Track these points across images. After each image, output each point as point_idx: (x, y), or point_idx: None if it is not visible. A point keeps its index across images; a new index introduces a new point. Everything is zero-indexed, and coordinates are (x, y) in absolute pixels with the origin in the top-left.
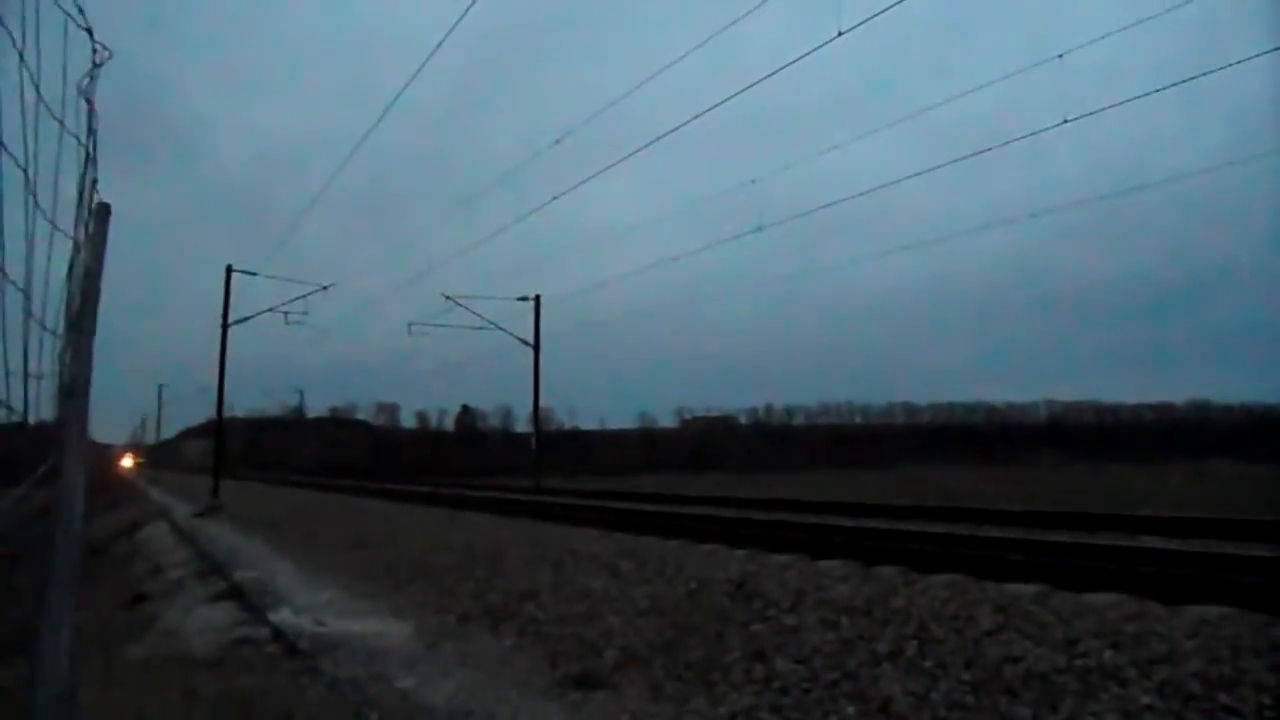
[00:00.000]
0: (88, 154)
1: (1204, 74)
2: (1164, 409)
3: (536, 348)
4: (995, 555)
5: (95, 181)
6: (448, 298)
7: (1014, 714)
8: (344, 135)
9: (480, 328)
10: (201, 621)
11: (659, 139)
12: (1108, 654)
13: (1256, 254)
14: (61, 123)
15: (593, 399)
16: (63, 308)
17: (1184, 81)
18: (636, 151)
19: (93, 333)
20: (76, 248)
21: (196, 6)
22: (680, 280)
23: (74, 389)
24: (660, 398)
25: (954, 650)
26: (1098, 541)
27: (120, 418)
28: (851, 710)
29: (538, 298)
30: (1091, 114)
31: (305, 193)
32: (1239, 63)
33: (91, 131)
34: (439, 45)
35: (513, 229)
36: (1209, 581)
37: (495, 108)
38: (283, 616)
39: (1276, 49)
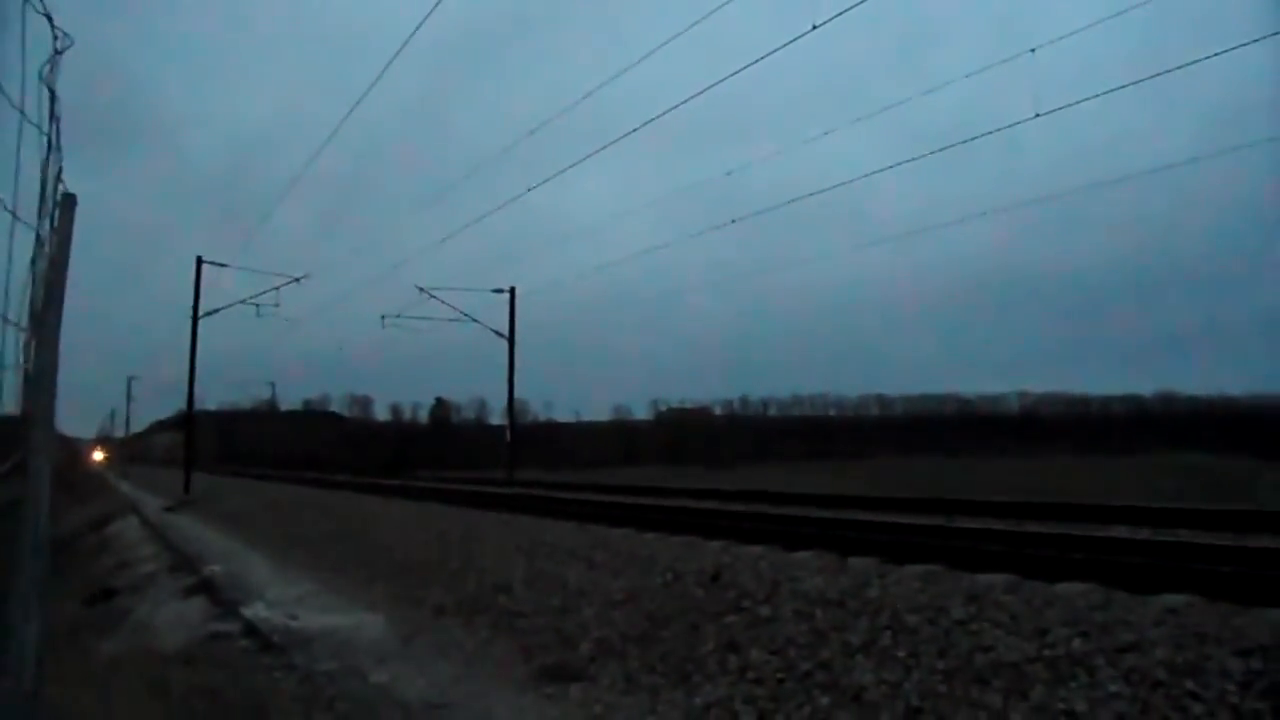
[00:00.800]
0: (50, 143)
1: (1173, 69)
2: (1132, 400)
3: (511, 340)
4: (968, 546)
5: (60, 171)
6: (421, 290)
7: (985, 702)
8: (318, 127)
9: (454, 320)
10: (172, 616)
11: (634, 131)
12: (1076, 643)
13: (1224, 247)
14: (22, 111)
15: (567, 391)
16: (26, 300)
17: (1154, 76)
18: (611, 144)
19: (58, 325)
20: (40, 240)
21: None
22: (655, 272)
23: (39, 382)
24: (635, 390)
25: (927, 640)
26: (1068, 531)
27: (89, 411)
28: (825, 700)
29: (513, 290)
30: (1063, 108)
31: (278, 184)
32: (1207, 58)
33: (54, 119)
34: (412, 35)
35: (487, 221)
36: (1176, 570)
37: (469, 99)
38: (255, 610)
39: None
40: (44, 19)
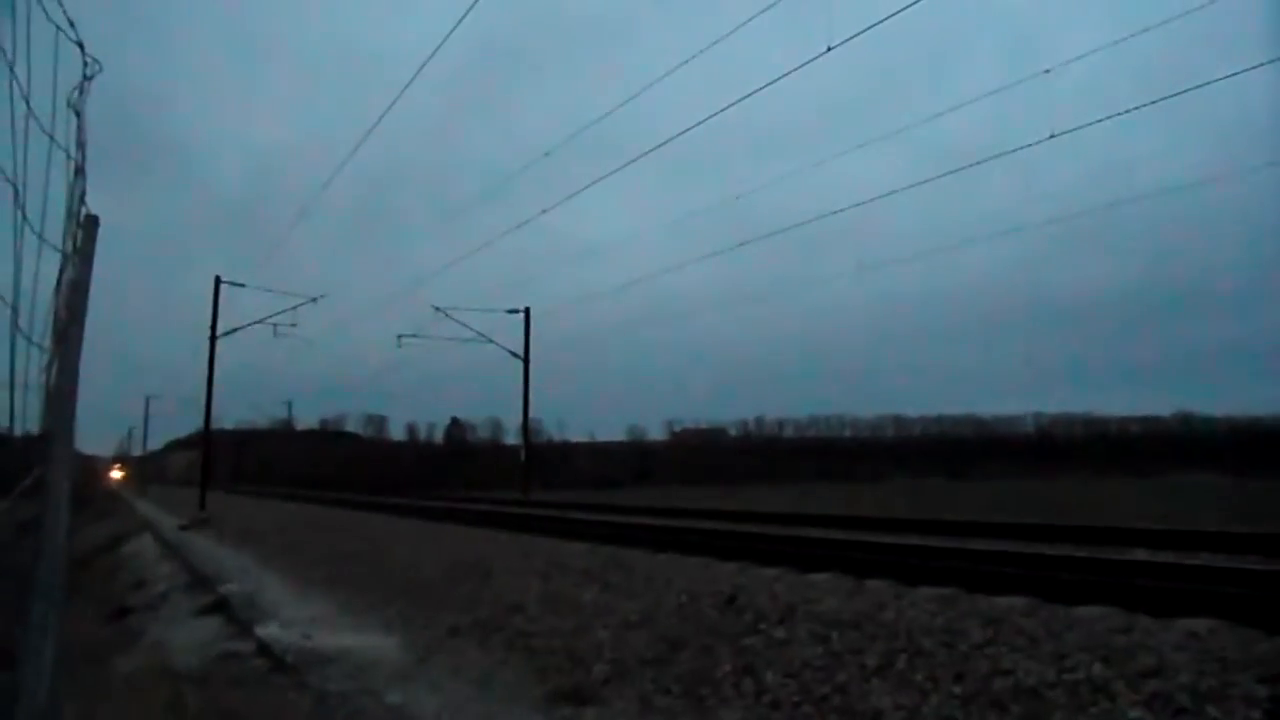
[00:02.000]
0: (77, 167)
1: (1188, 89)
2: (1151, 421)
3: (526, 360)
4: (985, 568)
5: (84, 194)
6: (438, 309)
7: None
8: (336, 148)
9: (470, 340)
10: (187, 635)
11: (649, 153)
12: (1097, 667)
13: (1242, 266)
14: (51, 136)
15: (582, 411)
16: (50, 320)
17: (1169, 97)
18: (626, 165)
19: (79, 344)
20: (64, 260)
21: (191, 21)
22: (670, 293)
23: (59, 400)
24: (649, 410)
25: (944, 664)
26: (1087, 554)
27: (107, 429)
28: None
29: (528, 310)
30: (1078, 129)
31: (296, 205)
32: (1223, 79)
33: (81, 144)
34: (429, 60)
35: (503, 241)
36: (1197, 594)
37: (485, 121)
38: (270, 630)
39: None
40: (76, 45)
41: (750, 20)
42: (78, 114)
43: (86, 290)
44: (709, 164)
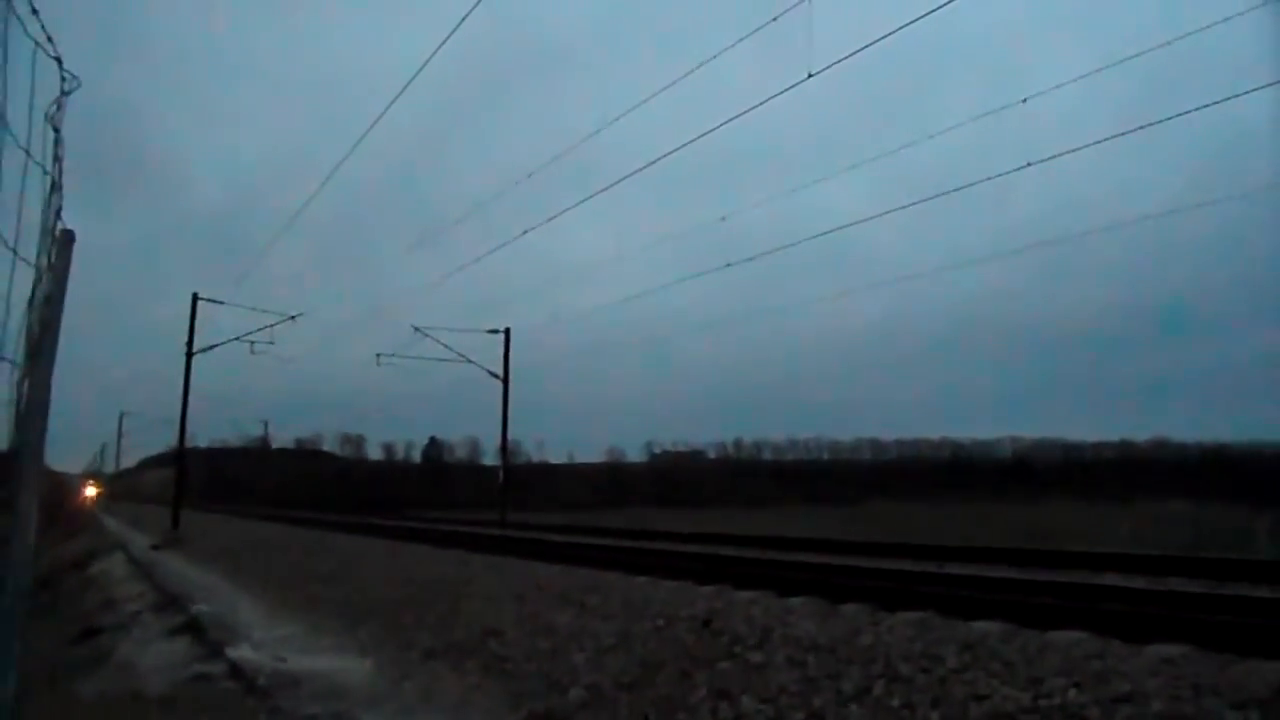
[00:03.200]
0: (53, 182)
1: (1163, 120)
2: (1125, 447)
3: (506, 381)
4: (962, 593)
5: (60, 209)
6: (417, 329)
7: None
8: (317, 168)
9: (449, 360)
10: (156, 657)
11: (629, 176)
12: (1072, 693)
13: (1217, 294)
14: (27, 151)
15: (561, 432)
16: (22, 336)
17: (1143, 127)
18: (607, 188)
19: (52, 360)
20: (39, 275)
21: (170, 37)
22: (650, 315)
23: (30, 417)
24: (628, 432)
25: (921, 689)
26: (1062, 579)
27: (79, 446)
28: None
29: (508, 330)
30: (1054, 157)
31: (276, 224)
32: (1197, 109)
33: (57, 159)
34: (411, 81)
35: (483, 262)
36: (1171, 620)
37: (467, 142)
38: (241, 652)
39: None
40: (53, 61)
41: (733, 46)
42: (55, 130)
43: (60, 306)
44: (691, 187)
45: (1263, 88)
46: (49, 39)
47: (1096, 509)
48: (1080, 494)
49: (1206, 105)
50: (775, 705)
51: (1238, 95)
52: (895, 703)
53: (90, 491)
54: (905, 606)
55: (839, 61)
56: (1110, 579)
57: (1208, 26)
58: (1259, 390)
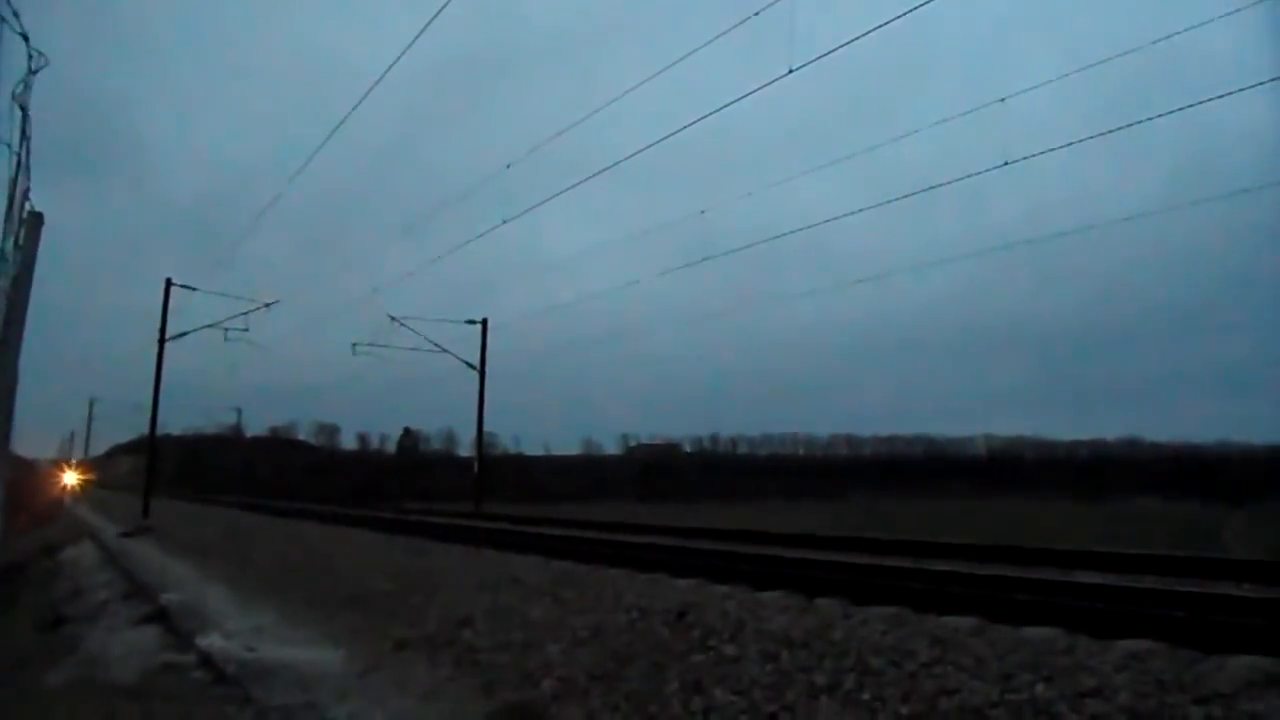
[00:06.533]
0: (20, 161)
1: (1138, 121)
2: (1097, 445)
3: (482, 372)
4: (935, 588)
5: (28, 190)
6: (394, 319)
7: None
8: (297, 156)
9: (425, 350)
10: (125, 646)
11: (609, 168)
12: (1040, 687)
13: (1190, 296)
14: None
15: (537, 424)
16: None
17: (1119, 129)
18: (586, 180)
19: (19, 344)
20: (4, 257)
21: (148, 24)
22: (628, 308)
23: None
24: (605, 425)
25: (892, 683)
26: (1034, 575)
27: (47, 431)
28: None
29: (485, 321)
30: (1030, 157)
31: (254, 212)
32: (1172, 112)
33: (25, 138)
34: (390, 68)
35: (462, 253)
36: (1138, 616)
37: (447, 132)
38: (211, 641)
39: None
40: (20, 38)
41: (714, 40)
42: (22, 109)
43: (29, 288)
44: (670, 181)
45: (1235, 92)
46: (15, 14)
47: (1070, 506)
48: (1054, 491)
49: (1182, 108)
50: (747, 697)
51: (1214, 99)
52: (866, 696)
53: (70, 479)
54: (878, 601)
55: (820, 58)
56: (1082, 575)
57: (1184, 30)
58: (1228, 391)
